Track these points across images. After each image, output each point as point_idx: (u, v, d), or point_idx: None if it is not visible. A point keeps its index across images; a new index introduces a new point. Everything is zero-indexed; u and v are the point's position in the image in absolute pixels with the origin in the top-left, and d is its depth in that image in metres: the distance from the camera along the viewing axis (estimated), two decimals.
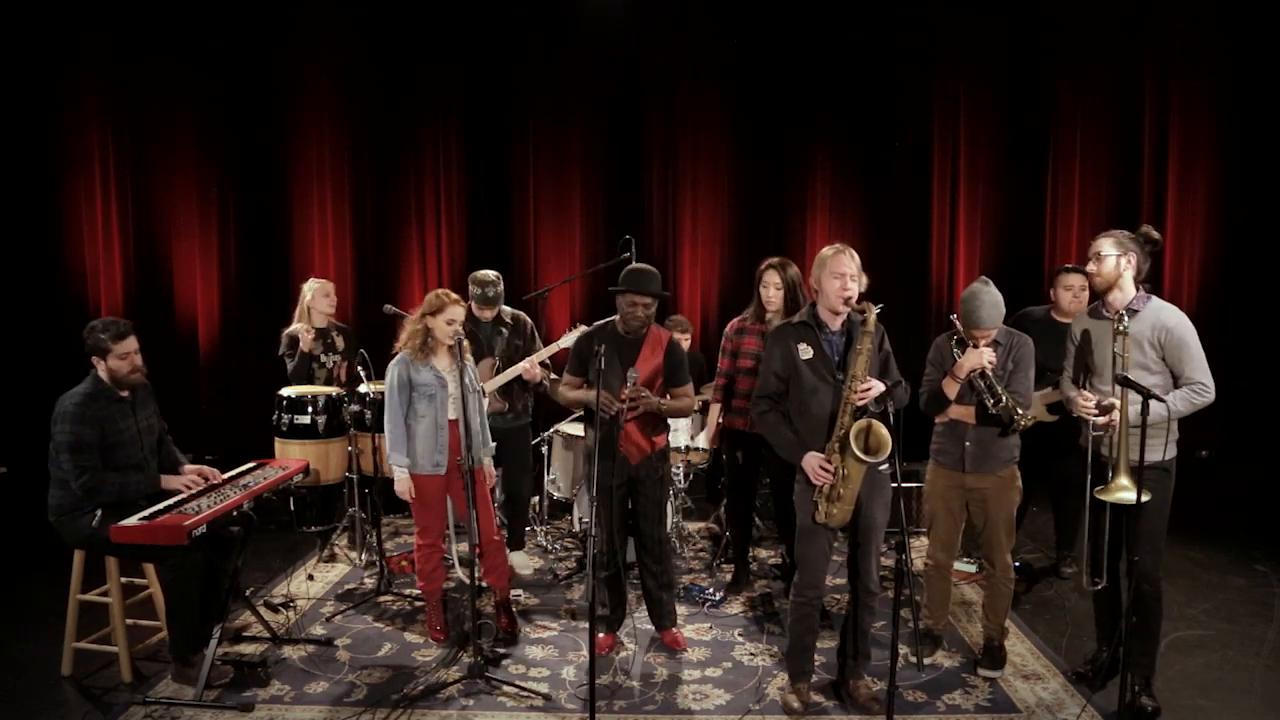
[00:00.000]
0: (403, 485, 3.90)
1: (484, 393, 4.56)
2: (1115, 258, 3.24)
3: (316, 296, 5.21)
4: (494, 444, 4.27)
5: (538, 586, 4.72)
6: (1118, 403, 3.12)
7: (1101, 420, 3.19)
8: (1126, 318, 3.17)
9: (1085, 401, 3.25)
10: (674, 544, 5.15)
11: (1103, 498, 3.16)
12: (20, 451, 6.56)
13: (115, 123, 7.29)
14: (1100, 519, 3.29)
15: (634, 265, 3.82)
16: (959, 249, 7.33)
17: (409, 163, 7.39)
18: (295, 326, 5.19)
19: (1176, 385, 3.19)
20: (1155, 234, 3.35)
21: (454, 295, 3.90)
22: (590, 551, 3.45)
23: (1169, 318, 3.20)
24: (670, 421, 4.94)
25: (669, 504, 4.84)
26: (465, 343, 3.92)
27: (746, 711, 3.43)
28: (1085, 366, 3.39)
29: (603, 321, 3.92)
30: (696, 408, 5.28)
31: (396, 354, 3.95)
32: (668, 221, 7.44)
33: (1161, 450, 3.20)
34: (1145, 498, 3.05)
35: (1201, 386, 3.15)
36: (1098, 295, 3.36)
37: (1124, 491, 3.07)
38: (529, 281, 7.22)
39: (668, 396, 3.84)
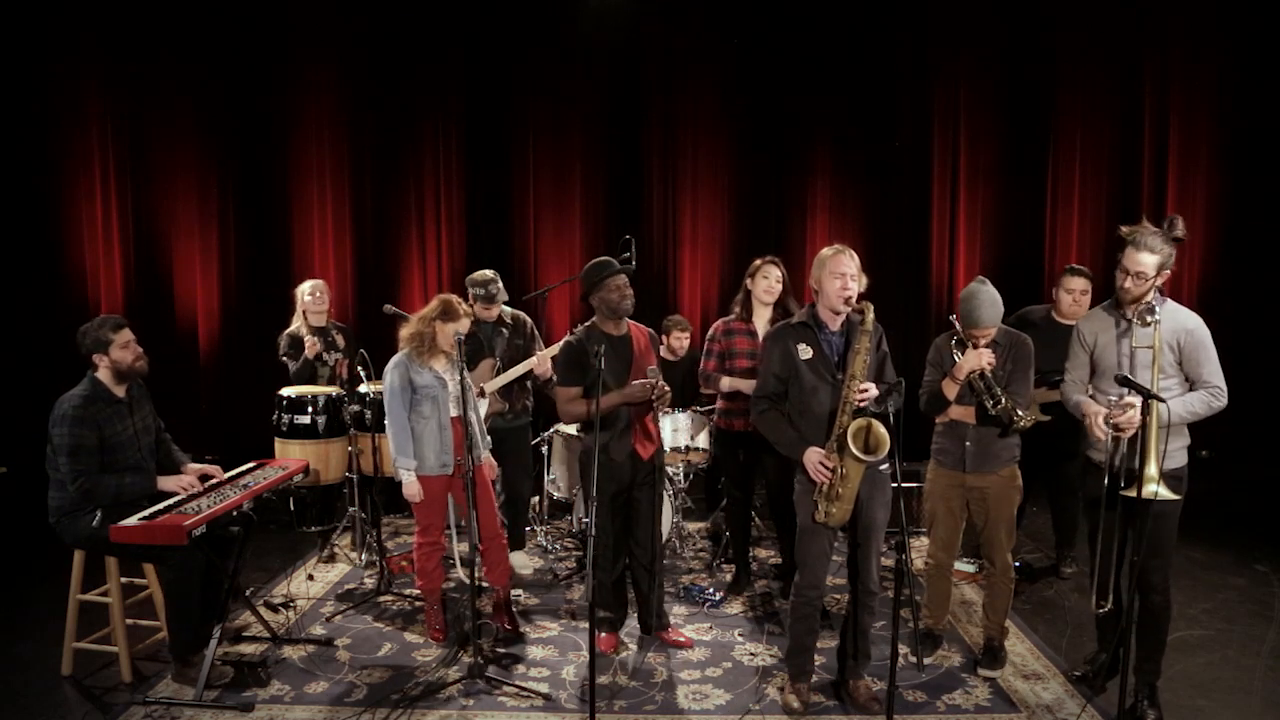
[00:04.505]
0: (412, 489, 3.88)
1: (483, 391, 4.58)
2: (1154, 279, 3.09)
3: (305, 298, 5.26)
4: (489, 438, 4.27)
5: (538, 586, 4.72)
6: (1135, 400, 3.02)
7: (1111, 433, 3.07)
8: (1157, 308, 3.09)
9: (1095, 419, 3.12)
10: (674, 544, 5.15)
11: (1130, 494, 3.03)
12: (20, 451, 6.56)
13: (115, 123, 7.30)
14: (1111, 538, 3.20)
15: (588, 265, 3.81)
16: (959, 248, 7.33)
17: (409, 163, 7.39)
18: (294, 328, 5.22)
19: (1193, 388, 3.13)
20: (1183, 231, 3.14)
21: (466, 308, 3.94)
22: (590, 552, 3.44)
23: (1188, 320, 3.13)
24: (670, 421, 4.98)
25: (668, 503, 4.84)
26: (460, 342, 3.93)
27: (746, 711, 3.43)
28: (1095, 369, 3.31)
29: (584, 326, 3.85)
30: (700, 409, 5.29)
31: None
32: (668, 221, 7.44)
33: (1177, 456, 3.15)
34: (1175, 496, 3.01)
35: (1219, 390, 3.09)
36: (1121, 304, 3.20)
37: (1153, 484, 2.93)
38: (529, 281, 7.23)
39: None
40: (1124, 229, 3.16)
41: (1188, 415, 3.08)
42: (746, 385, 4.21)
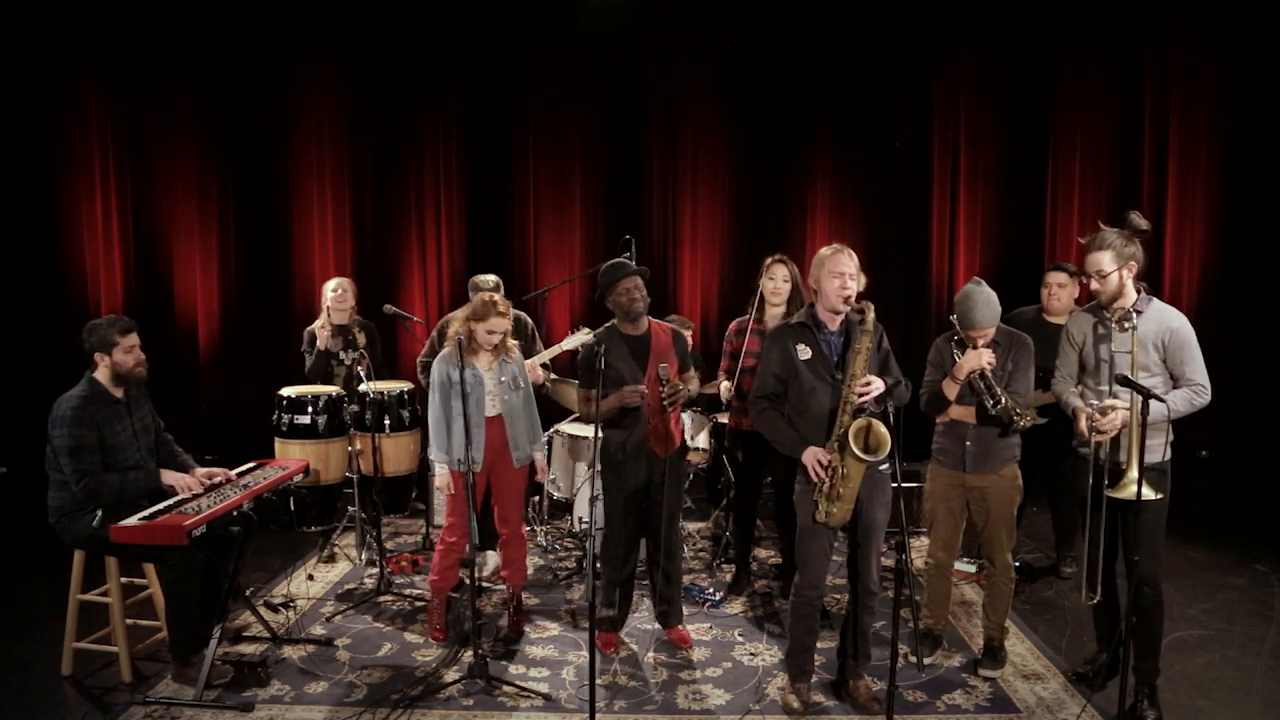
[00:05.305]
0: (442, 480, 3.94)
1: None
2: (1116, 272, 3.17)
3: (328, 294, 5.30)
4: (544, 438, 4.29)
5: (538, 586, 4.72)
6: (1118, 403, 3.11)
7: (1098, 437, 3.16)
8: (1135, 317, 3.14)
9: (1082, 419, 3.21)
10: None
11: (1115, 495, 3.09)
12: (20, 451, 6.55)
13: (115, 123, 7.29)
14: (1098, 530, 3.25)
15: (602, 268, 3.83)
16: (959, 248, 7.33)
17: (409, 163, 7.39)
18: (315, 324, 5.27)
19: (1176, 386, 3.19)
20: (1143, 223, 3.21)
21: (501, 307, 3.91)
22: (590, 551, 3.44)
23: (1173, 319, 3.20)
24: None
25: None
26: (511, 341, 4.01)
27: (746, 711, 3.43)
28: (1083, 367, 3.37)
29: (605, 327, 3.91)
30: (699, 409, 5.29)
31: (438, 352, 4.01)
32: (668, 221, 7.44)
33: (1160, 452, 3.19)
34: (1157, 496, 3.04)
35: (1201, 388, 3.15)
36: (1102, 305, 3.29)
37: (1133, 485, 2.97)
38: (529, 281, 7.23)
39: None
40: (1082, 239, 3.31)
41: (1170, 413, 3.12)
42: (719, 386, 4.35)
